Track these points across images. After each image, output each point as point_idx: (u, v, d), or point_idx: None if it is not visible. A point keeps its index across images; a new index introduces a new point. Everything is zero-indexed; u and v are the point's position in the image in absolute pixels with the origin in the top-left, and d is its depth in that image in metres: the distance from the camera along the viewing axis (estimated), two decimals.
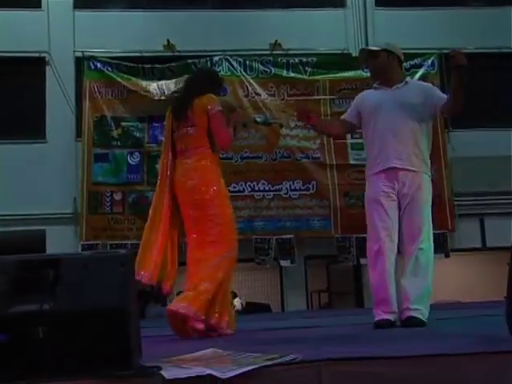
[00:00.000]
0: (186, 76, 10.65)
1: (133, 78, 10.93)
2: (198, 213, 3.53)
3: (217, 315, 3.45)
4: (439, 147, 10.52)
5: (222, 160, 4.45)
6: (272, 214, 10.65)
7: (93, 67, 10.98)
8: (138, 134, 10.90)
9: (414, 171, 3.46)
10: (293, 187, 10.82)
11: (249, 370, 1.60)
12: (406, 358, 1.76)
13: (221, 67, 11.00)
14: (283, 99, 10.92)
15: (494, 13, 11.53)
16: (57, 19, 11.04)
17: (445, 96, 3.51)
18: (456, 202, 10.84)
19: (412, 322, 3.27)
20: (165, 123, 3.89)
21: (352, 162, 10.53)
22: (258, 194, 10.68)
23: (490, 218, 11.06)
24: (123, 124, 10.88)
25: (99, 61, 11.00)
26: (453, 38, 10.34)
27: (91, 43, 10.99)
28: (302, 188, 10.84)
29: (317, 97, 11.01)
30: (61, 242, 10.01)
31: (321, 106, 10.81)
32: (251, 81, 11.04)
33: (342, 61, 11.26)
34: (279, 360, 1.71)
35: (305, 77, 11.17)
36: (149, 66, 11.03)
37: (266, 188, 10.77)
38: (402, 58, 3.69)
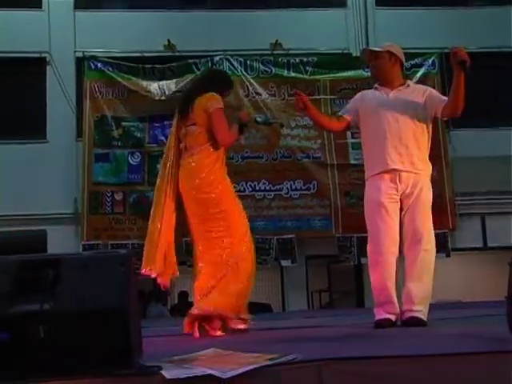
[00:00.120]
0: (186, 76, 10.91)
1: (133, 78, 10.92)
2: (204, 211, 3.57)
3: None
4: (440, 147, 10.52)
5: None
6: (273, 213, 10.65)
7: (93, 67, 10.97)
8: (138, 134, 10.90)
9: (416, 173, 3.46)
10: (293, 187, 10.81)
11: (249, 370, 1.60)
12: (407, 357, 1.76)
13: (221, 67, 10.98)
14: (284, 99, 10.92)
15: (495, 12, 11.52)
16: (57, 19, 11.04)
17: (445, 98, 3.50)
18: (457, 202, 10.83)
19: (414, 322, 3.26)
20: (172, 122, 3.93)
21: (353, 161, 10.52)
22: (259, 193, 10.68)
23: (491, 217, 11.05)
24: (124, 124, 10.88)
25: (100, 61, 11.00)
26: (453, 37, 10.31)
27: (92, 43, 10.99)
28: (303, 188, 10.83)
29: (317, 97, 10.99)
30: (62, 242, 10.00)
31: (321, 105, 10.79)
32: (252, 81, 11.03)
33: (342, 60, 11.26)
34: (280, 360, 1.71)
35: (305, 77, 11.16)
36: (149, 66, 11.02)
37: (267, 188, 10.77)
38: (404, 60, 3.68)
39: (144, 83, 10.92)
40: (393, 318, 3.38)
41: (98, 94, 10.89)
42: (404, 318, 3.37)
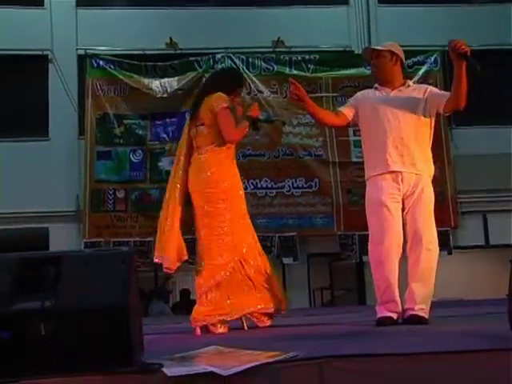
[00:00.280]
0: (188, 74, 10.91)
1: (135, 76, 10.93)
2: (210, 205, 3.65)
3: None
4: (442, 145, 10.52)
5: None
6: (274, 211, 10.65)
7: (95, 65, 10.98)
8: (140, 132, 10.90)
9: (417, 174, 3.45)
10: (295, 185, 10.81)
11: (251, 367, 1.60)
12: (408, 355, 1.76)
13: (223, 65, 10.99)
14: (286, 97, 10.89)
15: (498, 9, 11.49)
16: (59, 17, 11.05)
17: (447, 93, 3.49)
18: (459, 200, 10.82)
19: (415, 320, 3.26)
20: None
21: (354, 159, 10.50)
22: (261, 191, 10.68)
23: (493, 215, 11.03)
24: (126, 122, 10.89)
25: (102, 58, 11.01)
26: (456, 35, 10.09)
27: (94, 41, 10.99)
28: (305, 185, 10.83)
29: (319, 94, 10.99)
30: (64, 239, 10.01)
31: (323, 103, 10.77)
32: (254, 78, 11.03)
33: (344, 58, 11.25)
34: (281, 357, 1.71)
35: (307, 74, 11.15)
36: (151, 63, 11.02)
37: (269, 185, 10.77)
38: (404, 60, 3.67)
39: (146, 81, 10.92)
40: (394, 316, 3.38)
41: (100, 91, 10.90)
42: (406, 316, 3.36)
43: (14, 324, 1.60)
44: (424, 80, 10.29)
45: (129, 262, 1.74)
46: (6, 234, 9.90)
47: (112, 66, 10.97)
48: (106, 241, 10.30)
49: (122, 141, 10.86)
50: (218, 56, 11.09)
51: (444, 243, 9.99)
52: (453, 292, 10.06)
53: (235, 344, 2.17)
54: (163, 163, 10.72)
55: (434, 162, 3.58)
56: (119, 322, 1.64)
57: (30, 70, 11.18)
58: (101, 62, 10.99)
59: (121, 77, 10.92)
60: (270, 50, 11.32)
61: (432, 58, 11.24)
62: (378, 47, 3.68)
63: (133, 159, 10.81)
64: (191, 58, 11.05)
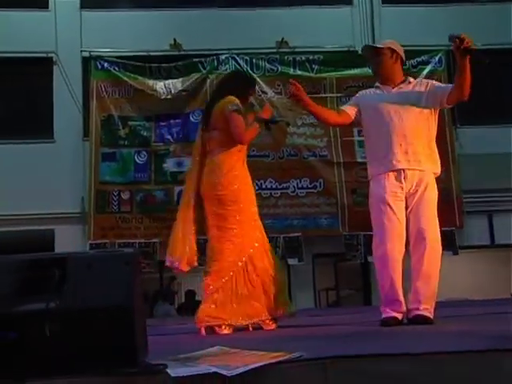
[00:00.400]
0: (192, 75, 10.93)
1: (140, 77, 10.95)
2: (221, 208, 3.72)
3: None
4: (447, 144, 10.49)
5: None
6: (279, 212, 10.64)
7: (100, 67, 11.01)
8: (145, 133, 10.92)
9: (422, 170, 3.44)
10: (300, 185, 10.81)
11: (254, 368, 1.60)
12: (413, 355, 1.75)
13: (227, 66, 11.00)
14: (290, 97, 10.88)
15: (502, 9, 11.44)
16: (64, 19, 11.09)
17: (450, 85, 3.50)
18: (464, 199, 10.79)
19: (420, 320, 3.25)
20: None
21: (359, 159, 10.47)
22: (266, 192, 10.67)
23: (499, 214, 11.00)
24: (130, 123, 10.91)
25: (106, 60, 11.04)
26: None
27: (98, 43, 11.02)
28: (310, 186, 10.82)
29: (324, 95, 10.99)
30: (69, 241, 10.04)
31: (328, 103, 10.76)
32: (258, 79, 10.98)
33: (348, 58, 11.22)
34: (285, 358, 1.71)
35: (311, 75, 11.15)
36: (155, 65, 11.05)
37: (274, 186, 10.77)
38: (404, 57, 3.66)
39: (150, 82, 10.95)
40: (399, 316, 3.37)
41: (105, 93, 10.93)
42: (410, 316, 3.36)
43: (19, 325, 1.61)
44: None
45: (133, 263, 1.74)
46: (12, 236, 9.93)
47: (116, 68, 11.00)
48: (111, 242, 10.32)
49: (126, 142, 10.89)
50: (222, 57, 11.10)
51: (449, 243, 9.97)
52: (458, 292, 10.05)
53: (239, 345, 2.17)
54: (168, 164, 10.75)
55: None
56: (123, 322, 1.64)
57: (34, 72, 11.22)
58: (105, 64, 11.02)
59: (125, 78, 10.94)
60: (274, 50, 11.33)
61: (436, 58, 11.22)
62: (378, 45, 3.68)
63: (137, 160, 10.83)
64: (195, 59, 11.07)
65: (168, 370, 1.59)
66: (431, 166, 3.49)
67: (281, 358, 1.70)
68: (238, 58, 11.11)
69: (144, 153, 10.86)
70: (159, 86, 10.92)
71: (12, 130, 10.82)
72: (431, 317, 3.31)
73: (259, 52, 11.23)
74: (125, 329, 1.64)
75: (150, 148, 10.87)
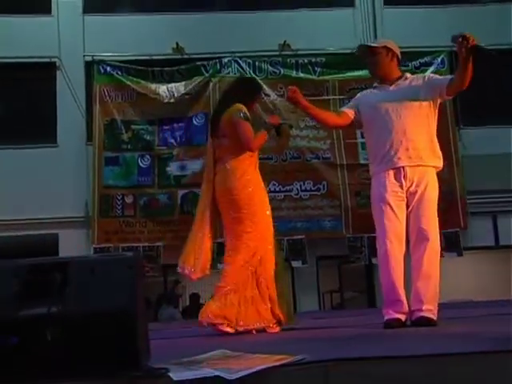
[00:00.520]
0: (195, 78, 10.94)
1: (142, 82, 10.98)
2: (237, 211, 3.79)
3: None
4: (450, 145, 10.49)
5: None
6: (283, 214, 10.63)
7: (102, 71, 11.05)
8: (148, 137, 10.94)
9: (423, 166, 3.44)
10: (303, 188, 10.81)
11: (257, 371, 1.60)
12: (417, 357, 1.75)
13: (230, 69, 11.02)
14: (287, 101, 10.88)
15: (504, 9, 11.43)
16: (66, 24, 11.13)
17: (449, 76, 3.51)
18: (468, 200, 10.76)
19: (424, 322, 3.24)
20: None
21: (362, 161, 10.47)
22: (269, 194, 10.56)
23: (503, 215, 10.97)
24: (133, 127, 10.94)
25: (109, 65, 11.07)
26: None
27: (101, 47, 11.05)
28: (313, 188, 10.83)
29: (326, 97, 11.00)
30: (73, 245, 10.06)
31: (331, 106, 10.77)
32: (260, 82, 11.01)
33: (351, 60, 11.15)
34: (287, 361, 1.70)
35: (314, 77, 11.16)
36: (158, 69, 11.08)
37: (277, 189, 10.77)
38: (400, 56, 3.66)
39: (153, 86, 10.97)
40: (402, 317, 3.36)
41: (108, 97, 10.96)
42: (414, 317, 3.34)
43: (21, 329, 1.61)
44: None
45: (136, 267, 1.74)
46: (16, 241, 9.96)
47: (119, 72, 11.03)
48: (115, 246, 10.33)
49: (129, 146, 10.91)
50: (225, 60, 11.12)
51: (454, 244, 9.92)
52: (462, 293, 10.01)
53: (242, 347, 2.17)
54: (171, 168, 10.77)
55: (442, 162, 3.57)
56: (126, 326, 1.64)
57: (37, 77, 11.26)
58: (108, 68, 11.05)
59: (128, 82, 10.97)
60: (277, 53, 11.34)
61: (439, 59, 11.22)
62: (373, 44, 3.68)
63: (141, 164, 10.85)
64: (198, 63, 11.09)
65: (170, 374, 1.59)
66: (433, 161, 3.49)
67: (284, 361, 1.69)
68: (240, 61, 11.13)
69: (147, 156, 10.88)
70: (162, 89, 10.95)
71: (15, 135, 10.86)
72: (435, 318, 3.30)
73: (262, 55, 11.25)
74: (127, 332, 1.64)
75: (154, 152, 10.89)
